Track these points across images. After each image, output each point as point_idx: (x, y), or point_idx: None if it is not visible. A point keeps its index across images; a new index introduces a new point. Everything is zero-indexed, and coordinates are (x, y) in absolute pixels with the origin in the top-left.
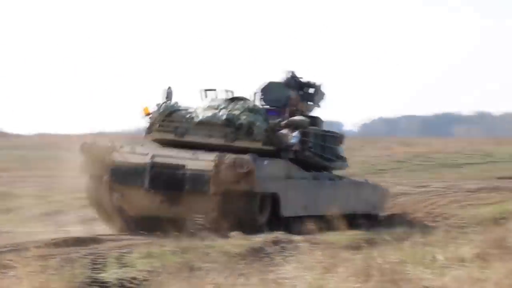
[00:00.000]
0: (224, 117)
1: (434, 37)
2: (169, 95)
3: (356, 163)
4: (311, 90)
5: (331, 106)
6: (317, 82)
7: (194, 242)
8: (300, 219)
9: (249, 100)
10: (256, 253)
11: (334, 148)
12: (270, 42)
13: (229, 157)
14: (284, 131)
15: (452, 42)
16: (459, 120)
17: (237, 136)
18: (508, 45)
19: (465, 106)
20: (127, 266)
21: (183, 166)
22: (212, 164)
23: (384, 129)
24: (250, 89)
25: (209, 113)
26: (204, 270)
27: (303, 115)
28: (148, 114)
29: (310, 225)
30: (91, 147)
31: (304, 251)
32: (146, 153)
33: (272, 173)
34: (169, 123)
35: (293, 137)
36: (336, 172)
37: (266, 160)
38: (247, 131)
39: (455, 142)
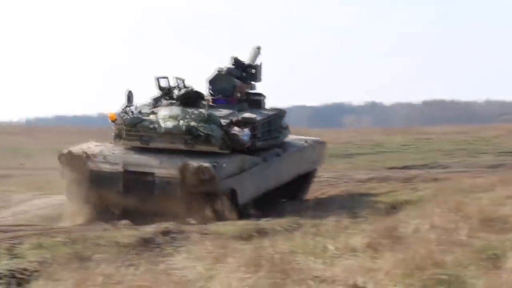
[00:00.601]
0: (184, 128)
1: (324, 27)
2: (130, 98)
3: None
4: (253, 71)
5: None
6: (256, 63)
7: (84, 233)
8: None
9: (202, 109)
10: (147, 243)
11: (278, 125)
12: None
13: (193, 165)
14: (236, 129)
15: (342, 33)
16: (350, 110)
17: (196, 142)
18: (399, 36)
19: (356, 96)
20: (18, 257)
21: (152, 174)
22: (178, 171)
23: None
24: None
25: (170, 125)
26: (94, 261)
27: (249, 100)
28: (114, 120)
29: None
30: (68, 157)
31: (195, 242)
32: (117, 162)
33: (230, 173)
34: (135, 132)
35: (244, 135)
36: None
37: (224, 163)
38: (205, 140)
39: (346, 132)
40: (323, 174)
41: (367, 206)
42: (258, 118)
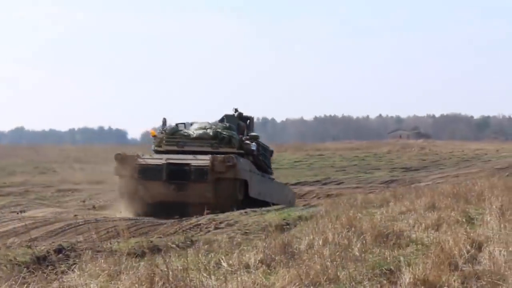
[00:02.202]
0: (211, 133)
1: (216, 43)
2: (164, 122)
3: None
4: (248, 121)
5: (115, 115)
6: (251, 116)
7: None
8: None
9: (224, 123)
10: (40, 261)
11: (269, 158)
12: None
13: (220, 156)
14: (247, 141)
15: (233, 49)
16: None
17: (220, 145)
18: (291, 52)
19: (248, 112)
20: None
21: (189, 164)
22: (209, 161)
23: None
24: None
25: (200, 132)
26: None
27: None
28: (154, 136)
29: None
30: (122, 156)
31: (88, 259)
32: (161, 158)
33: (245, 167)
34: (173, 139)
35: (252, 145)
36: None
37: (241, 159)
38: (228, 141)
39: None
40: None
41: (260, 222)
42: (259, 138)
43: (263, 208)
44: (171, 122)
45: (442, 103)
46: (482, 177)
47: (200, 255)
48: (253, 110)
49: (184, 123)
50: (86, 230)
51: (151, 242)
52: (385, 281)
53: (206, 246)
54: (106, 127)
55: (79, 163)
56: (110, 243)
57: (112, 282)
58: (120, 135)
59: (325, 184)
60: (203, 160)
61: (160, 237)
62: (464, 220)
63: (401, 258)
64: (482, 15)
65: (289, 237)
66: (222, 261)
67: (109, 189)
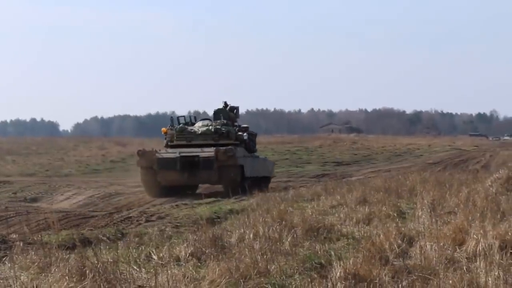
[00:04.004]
0: (213, 129)
1: (148, 35)
2: (172, 120)
3: (71, 163)
4: (235, 110)
5: (47, 107)
6: (237, 106)
7: None
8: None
9: (221, 120)
10: None
11: (255, 141)
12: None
13: (222, 148)
14: (240, 132)
15: (166, 45)
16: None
17: (220, 138)
18: (226, 48)
19: (181, 106)
20: None
21: (198, 156)
22: (214, 152)
23: (98, 129)
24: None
25: (204, 128)
26: None
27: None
28: (165, 133)
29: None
30: (143, 152)
31: (18, 251)
32: (175, 152)
33: (240, 155)
34: (182, 135)
35: (244, 135)
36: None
37: (238, 148)
38: (226, 135)
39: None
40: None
41: (191, 215)
42: (249, 128)
43: (194, 201)
44: (175, 120)
45: (374, 97)
46: (414, 172)
47: (130, 248)
48: (185, 104)
49: (184, 116)
50: (17, 222)
51: (82, 234)
52: (315, 275)
53: (136, 239)
54: (38, 119)
55: (10, 155)
56: (41, 236)
57: (43, 274)
58: (52, 127)
59: None
60: (209, 152)
61: (91, 230)
62: (395, 214)
63: (332, 252)
64: (412, 14)
65: (220, 231)
66: (152, 254)
67: (41, 181)
